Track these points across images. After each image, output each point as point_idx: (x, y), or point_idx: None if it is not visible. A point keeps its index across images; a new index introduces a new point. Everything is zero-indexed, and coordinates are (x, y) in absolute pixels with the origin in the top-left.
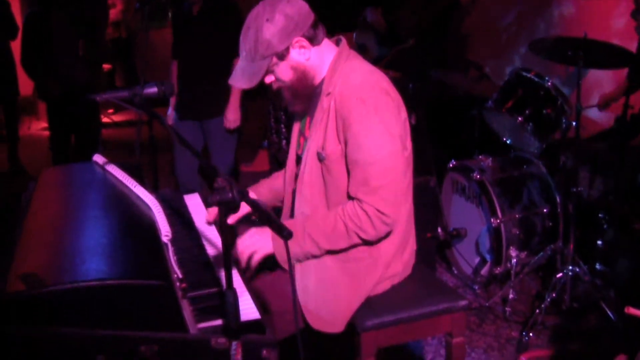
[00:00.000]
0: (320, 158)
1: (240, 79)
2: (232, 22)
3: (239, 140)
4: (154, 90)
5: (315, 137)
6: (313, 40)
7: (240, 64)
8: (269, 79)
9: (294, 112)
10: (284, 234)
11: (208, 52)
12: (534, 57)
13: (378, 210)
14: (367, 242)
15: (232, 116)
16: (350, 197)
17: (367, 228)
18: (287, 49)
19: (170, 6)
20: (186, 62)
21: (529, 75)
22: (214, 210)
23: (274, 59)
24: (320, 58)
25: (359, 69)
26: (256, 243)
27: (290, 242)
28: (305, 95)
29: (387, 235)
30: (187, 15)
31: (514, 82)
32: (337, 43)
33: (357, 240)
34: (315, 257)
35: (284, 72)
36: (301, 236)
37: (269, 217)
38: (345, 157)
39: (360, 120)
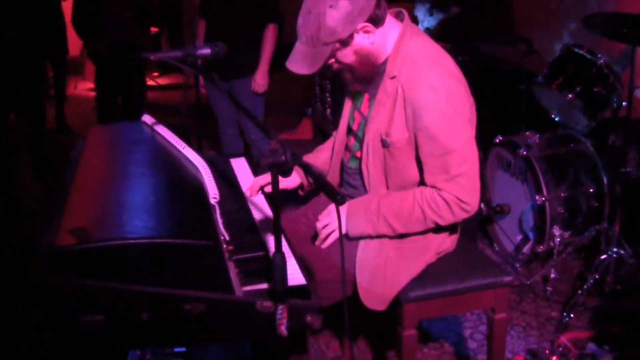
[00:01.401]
0: (385, 144)
1: (301, 65)
2: None
3: (266, 104)
4: (207, 51)
5: (378, 121)
6: (377, 23)
7: (299, 48)
8: (333, 64)
9: (353, 90)
10: (337, 198)
11: (238, 12)
12: (583, 33)
13: (458, 198)
14: (441, 228)
15: (262, 80)
16: (422, 184)
17: (446, 215)
18: (351, 35)
19: None
20: (215, 21)
21: (580, 52)
22: (255, 185)
23: (337, 45)
24: (384, 38)
25: (425, 51)
26: (332, 223)
27: (364, 222)
28: (366, 76)
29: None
30: None
31: (565, 58)
32: (399, 16)
33: (432, 226)
34: (385, 237)
35: (346, 57)
36: (375, 217)
37: (322, 180)
38: (416, 146)
39: (432, 109)
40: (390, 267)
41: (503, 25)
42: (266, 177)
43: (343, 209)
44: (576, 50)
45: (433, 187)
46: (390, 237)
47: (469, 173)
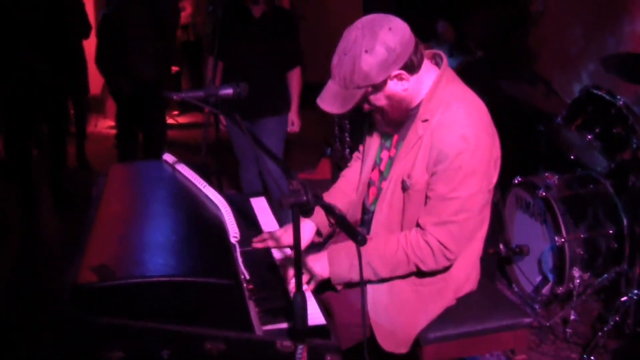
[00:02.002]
0: (405, 187)
1: (331, 104)
2: (290, 30)
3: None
4: (229, 91)
5: (403, 162)
6: (412, 70)
7: (332, 87)
8: (364, 106)
9: (382, 132)
10: (358, 238)
11: (264, 55)
12: (602, 75)
13: (441, 244)
14: (423, 273)
15: (297, 120)
16: (417, 224)
17: (428, 260)
18: (385, 81)
19: (218, 7)
20: (239, 63)
21: (600, 93)
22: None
23: (369, 89)
24: (419, 84)
25: (462, 99)
26: (313, 269)
27: (347, 268)
28: (396, 120)
29: (447, 269)
30: (246, 17)
31: (584, 99)
32: (435, 58)
33: (414, 270)
34: (370, 282)
35: (378, 100)
36: (358, 261)
37: (343, 221)
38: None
39: (456, 156)
40: (407, 309)
41: (522, 66)
42: (283, 235)
43: (322, 255)
44: (595, 91)
45: (422, 228)
46: (403, 278)
47: (462, 223)
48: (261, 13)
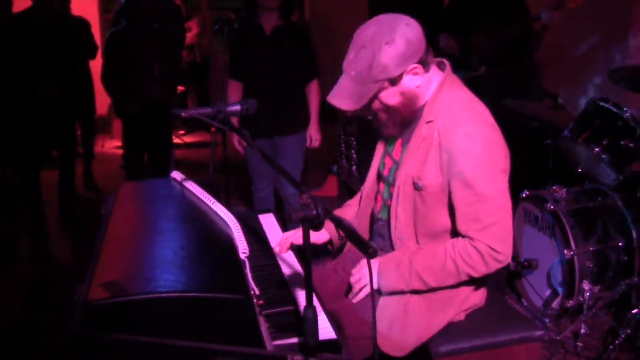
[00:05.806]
0: (417, 187)
1: (345, 100)
2: (304, 45)
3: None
4: (237, 108)
5: (410, 164)
6: (426, 66)
7: (345, 83)
8: (375, 103)
9: (385, 134)
10: (369, 251)
11: (278, 73)
12: (608, 88)
13: (490, 248)
14: (467, 281)
15: (316, 135)
16: (455, 234)
17: (479, 266)
18: (401, 75)
19: (232, 25)
20: (255, 81)
21: (606, 105)
22: (285, 242)
23: (385, 84)
24: (428, 84)
25: (464, 99)
26: (367, 276)
27: (396, 279)
28: (405, 120)
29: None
30: (258, 34)
31: (591, 112)
32: (440, 67)
33: (465, 278)
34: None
35: (391, 97)
36: (407, 273)
37: (354, 234)
38: (449, 193)
39: (467, 156)
40: (412, 314)
41: (529, 81)
42: (296, 233)
43: (374, 264)
44: (602, 104)
45: (466, 236)
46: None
47: (502, 222)
48: (271, 29)
